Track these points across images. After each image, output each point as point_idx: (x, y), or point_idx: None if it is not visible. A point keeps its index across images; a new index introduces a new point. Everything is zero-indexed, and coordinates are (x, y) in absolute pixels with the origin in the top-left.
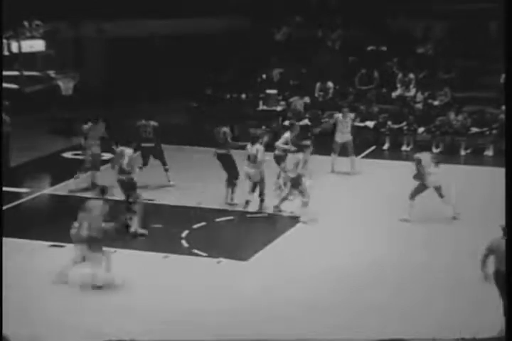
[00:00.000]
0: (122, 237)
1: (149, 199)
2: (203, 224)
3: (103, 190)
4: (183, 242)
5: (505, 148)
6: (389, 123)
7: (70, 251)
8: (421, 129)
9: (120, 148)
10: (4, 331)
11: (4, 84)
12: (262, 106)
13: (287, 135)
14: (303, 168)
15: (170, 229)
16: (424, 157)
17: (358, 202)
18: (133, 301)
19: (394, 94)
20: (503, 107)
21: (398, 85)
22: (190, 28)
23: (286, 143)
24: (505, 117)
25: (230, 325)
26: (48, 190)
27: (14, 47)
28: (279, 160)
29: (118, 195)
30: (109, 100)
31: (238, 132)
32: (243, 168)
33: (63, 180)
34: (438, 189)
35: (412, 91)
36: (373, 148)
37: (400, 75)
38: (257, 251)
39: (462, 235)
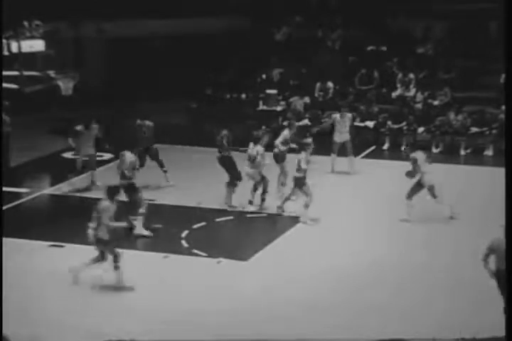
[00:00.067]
0: (127, 238)
1: (150, 200)
2: (203, 224)
3: (113, 191)
4: (183, 242)
5: (505, 148)
6: (389, 123)
7: (69, 251)
8: (421, 129)
9: (121, 153)
10: (4, 331)
11: (4, 84)
12: (262, 106)
13: (286, 132)
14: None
15: (170, 229)
16: (420, 156)
17: (358, 202)
18: (133, 301)
19: (394, 94)
20: (503, 107)
21: (398, 85)
22: (190, 28)
23: (286, 141)
24: (505, 117)
25: (230, 325)
26: (48, 190)
27: (14, 47)
28: (278, 158)
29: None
30: (109, 100)
31: (238, 133)
32: (243, 168)
33: (63, 180)
34: (431, 189)
35: (412, 91)
36: (373, 148)
37: (399, 75)
38: (257, 251)
39: (462, 235)
